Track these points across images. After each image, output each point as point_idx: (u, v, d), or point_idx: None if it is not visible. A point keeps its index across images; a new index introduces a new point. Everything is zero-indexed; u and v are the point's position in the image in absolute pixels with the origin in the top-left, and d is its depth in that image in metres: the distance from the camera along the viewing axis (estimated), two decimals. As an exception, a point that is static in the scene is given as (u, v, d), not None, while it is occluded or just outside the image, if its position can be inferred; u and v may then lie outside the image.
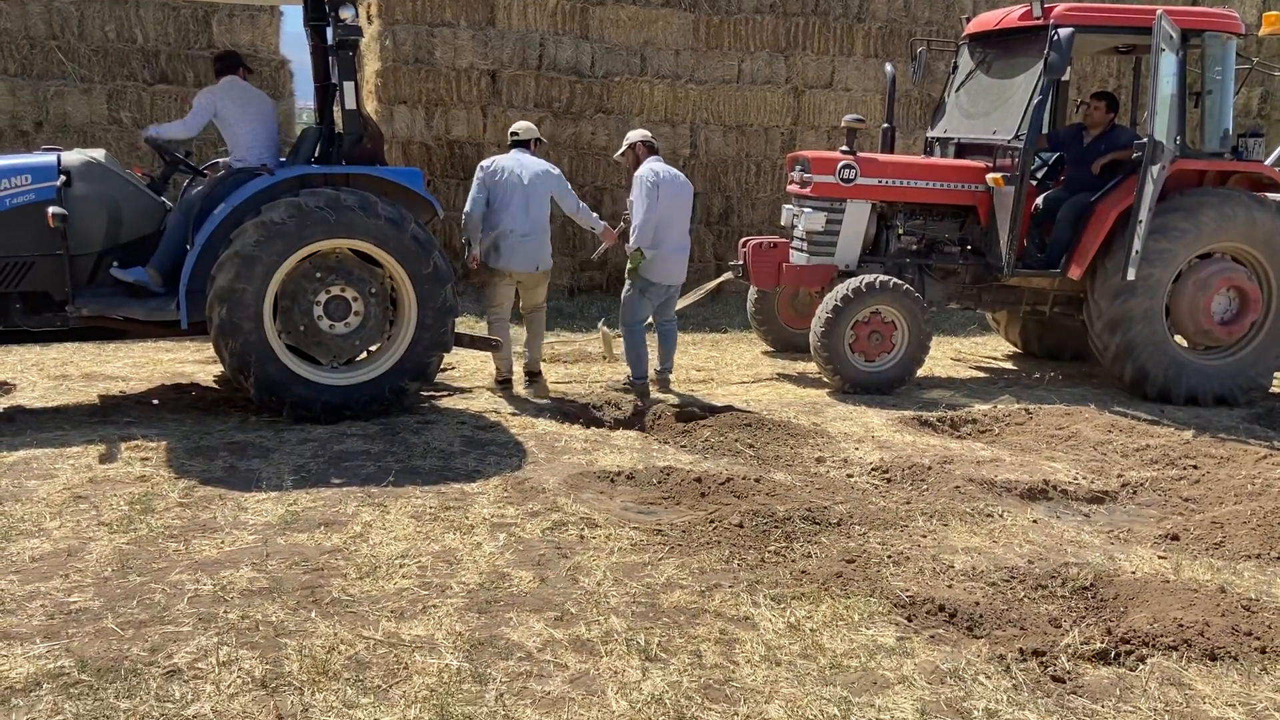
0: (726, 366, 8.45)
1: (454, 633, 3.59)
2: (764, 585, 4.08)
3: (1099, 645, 3.67)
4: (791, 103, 12.08)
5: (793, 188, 8.23)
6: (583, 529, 4.60)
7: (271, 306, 5.90)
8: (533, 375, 7.06)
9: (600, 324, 8.59)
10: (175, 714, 3.03)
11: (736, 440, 6.06)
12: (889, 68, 8.99)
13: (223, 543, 4.28)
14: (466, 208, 6.77)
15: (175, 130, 6.38)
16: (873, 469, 5.66)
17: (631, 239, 6.93)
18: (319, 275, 6.00)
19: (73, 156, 6.09)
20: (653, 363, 7.26)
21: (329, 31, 6.35)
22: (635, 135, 7.29)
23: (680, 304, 7.87)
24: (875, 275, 7.59)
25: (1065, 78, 8.35)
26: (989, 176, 7.69)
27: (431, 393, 6.98)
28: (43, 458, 5.21)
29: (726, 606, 3.89)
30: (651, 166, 7.01)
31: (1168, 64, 7.04)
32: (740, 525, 4.65)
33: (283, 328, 6.00)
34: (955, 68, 8.60)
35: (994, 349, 9.79)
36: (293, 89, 11.36)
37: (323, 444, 5.65)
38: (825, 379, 7.63)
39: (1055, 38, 7.03)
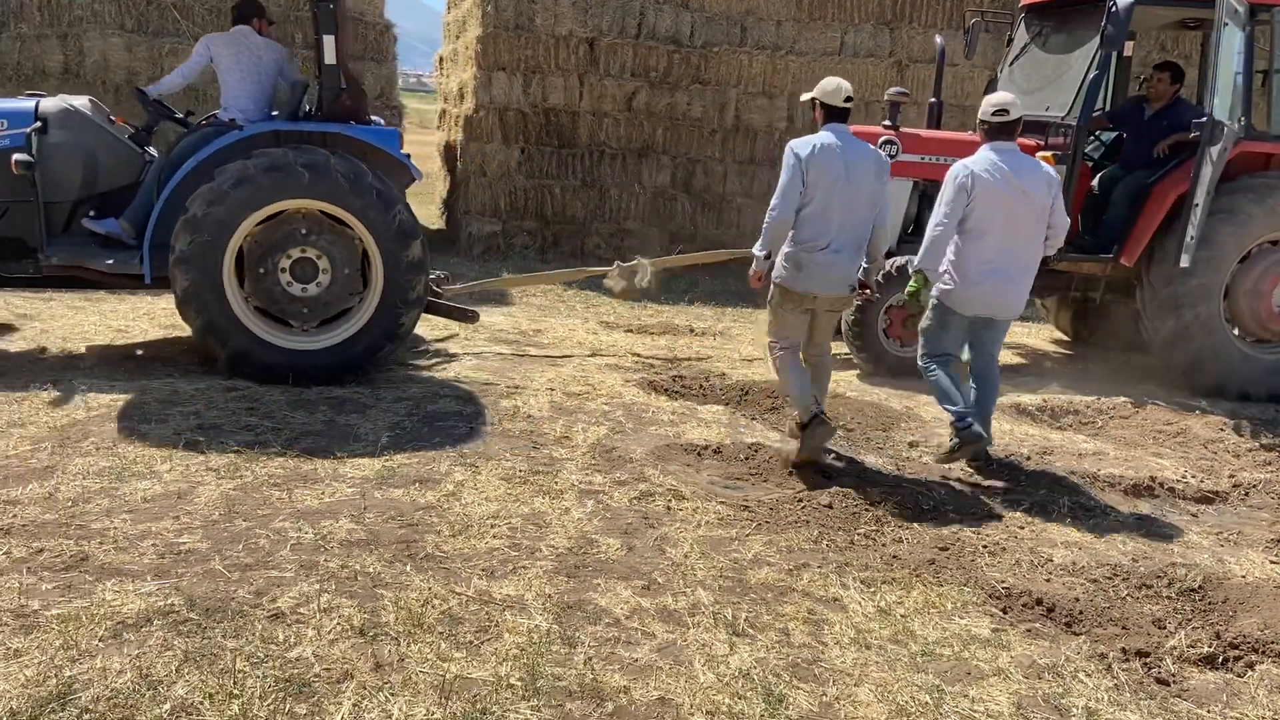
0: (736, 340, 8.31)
1: (543, 594, 3.63)
2: (853, 568, 4.03)
3: (1206, 649, 3.54)
4: (895, 76, 11.78)
5: None
6: (670, 500, 4.60)
7: (233, 270, 5.80)
8: (812, 420, 5.14)
9: (614, 265, 8.04)
10: (278, 655, 3.13)
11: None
12: (938, 39, 8.62)
13: (323, 493, 4.40)
14: (774, 206, 4.90)
15: (173, 80, 6.27)
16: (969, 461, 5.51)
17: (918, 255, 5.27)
18: (284, 237, 5.85)
19: (51, 103, 6.02)
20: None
21: None
22: (1003, 104, 5.18)
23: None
24: (910, 257, 7.29)
25: (1126, 53, 7.92)
26: (1039, 155, 7.33)
27: (514, 356, 7.05)
28: (153, 404, 5.41)
29: (815, 587, 3.85)
30: (986, 156, 5.10)
31: (1232, 40, 6.66)
32: (830, 506, 4.60)
33: (250, 291, 5.91)
34: (1011, 40, 8.25)
35: (1044, 336, 9.43)
36: (396, 53, 11.51)
37: (417, 403, 5.76)
38: (856, 363, 7.35)
39: (1113, 9, 6.68)
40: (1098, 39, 6.89)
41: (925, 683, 3.22)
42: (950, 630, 3.58)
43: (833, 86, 5.01)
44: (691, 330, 8.54)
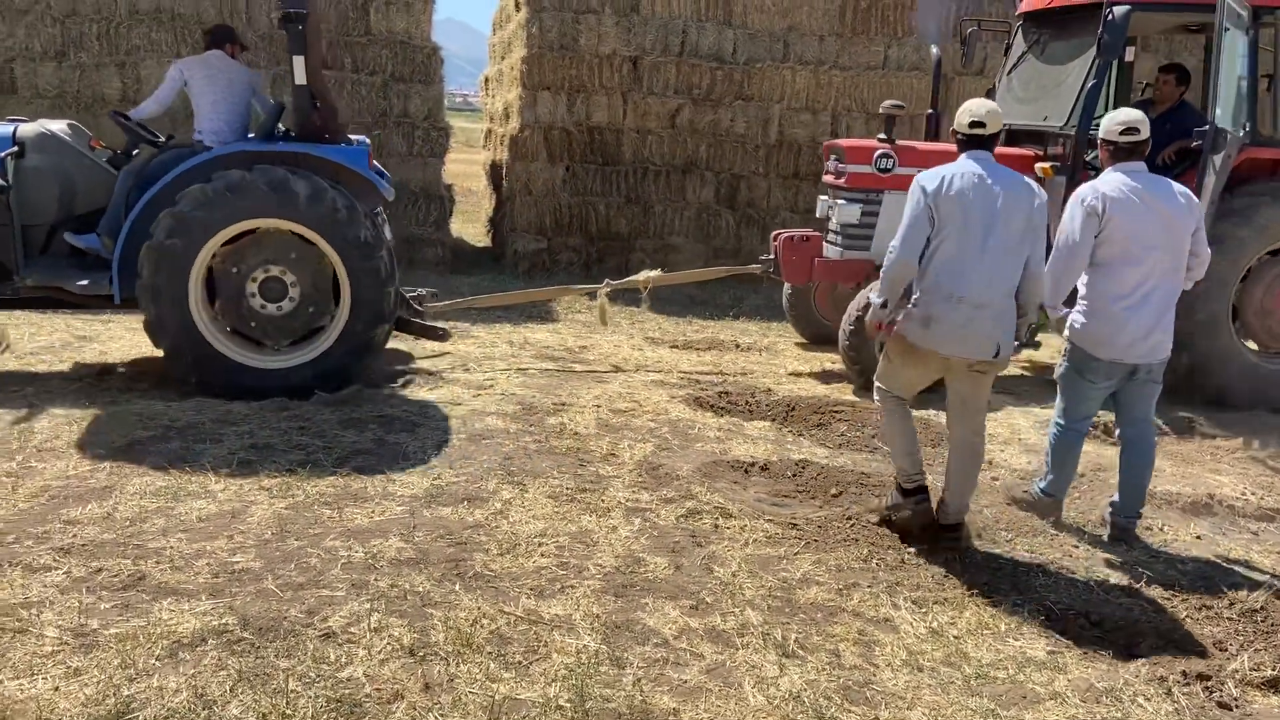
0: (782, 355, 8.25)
1: (591, 614, 3.63)
2: (905, 587, 3.98)
3: (1270, 672, 3.44)
4: (942, 90, 11.66)
5: (827, 178, 7.78)
6: (717, 518, 4.58)
7: (201, 291, 5.89)
8: (951, 529, 4.41)
9: (604, 284, 7.88)
10: (330, 675, 3.16)
11: (874, 435, 5.92)
12: (934, 50, 8.51)
13: (373, 512, 4.45)
14: (894, 249, 4.22)
15: (149, 106, 6.40)
16: (1019, 474, 5.43)
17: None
18: (252, 256, 5.93)
19: (29, 128, 6.13)
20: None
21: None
22: (1129, 120, 4.55)
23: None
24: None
25: (1128, 58, 7.72)
26: (1038, 166, 7.14)
27: (560, 372, 7.08)
28: (208, 424, 5.51)
29: (865, 607, 3.81)
30: (1116, 178, 4.45)
31: (1235, 44, 6.48)
32: (882, 523, 4.55)
33: (220, 311, 6.00)
34: (1008, 49, 8.11)
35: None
36: (442, 75, 11.66)
37: (464, 420, 5.81)
38: (850, 379, 7.17)
39: (1110, 16, 6.50)
40: (1095, 47, 6.78)
41: (980, 706, 3.16)
42: (1004, 652, 3.52)
43: (961, 110, 4.31)
44: (737, 346, 8.51)
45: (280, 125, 6.46)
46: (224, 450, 5.13)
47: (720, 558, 4.17)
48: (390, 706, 3.02)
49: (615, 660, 3.33)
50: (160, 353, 6.12)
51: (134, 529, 4.16)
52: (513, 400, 6.26)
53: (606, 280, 7.85)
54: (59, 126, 6.36)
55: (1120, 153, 4.53)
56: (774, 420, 6.28)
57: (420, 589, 3.76)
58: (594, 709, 3.05)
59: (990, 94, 8.26)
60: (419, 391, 6.30)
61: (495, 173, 13.30)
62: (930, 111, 8.25)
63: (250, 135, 6.53)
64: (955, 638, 3.61)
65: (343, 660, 3.25)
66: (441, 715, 2.99)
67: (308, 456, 5.11)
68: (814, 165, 11.66)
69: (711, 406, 6.47)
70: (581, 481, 4.96)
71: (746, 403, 6.61)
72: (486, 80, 15.37)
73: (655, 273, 7.85)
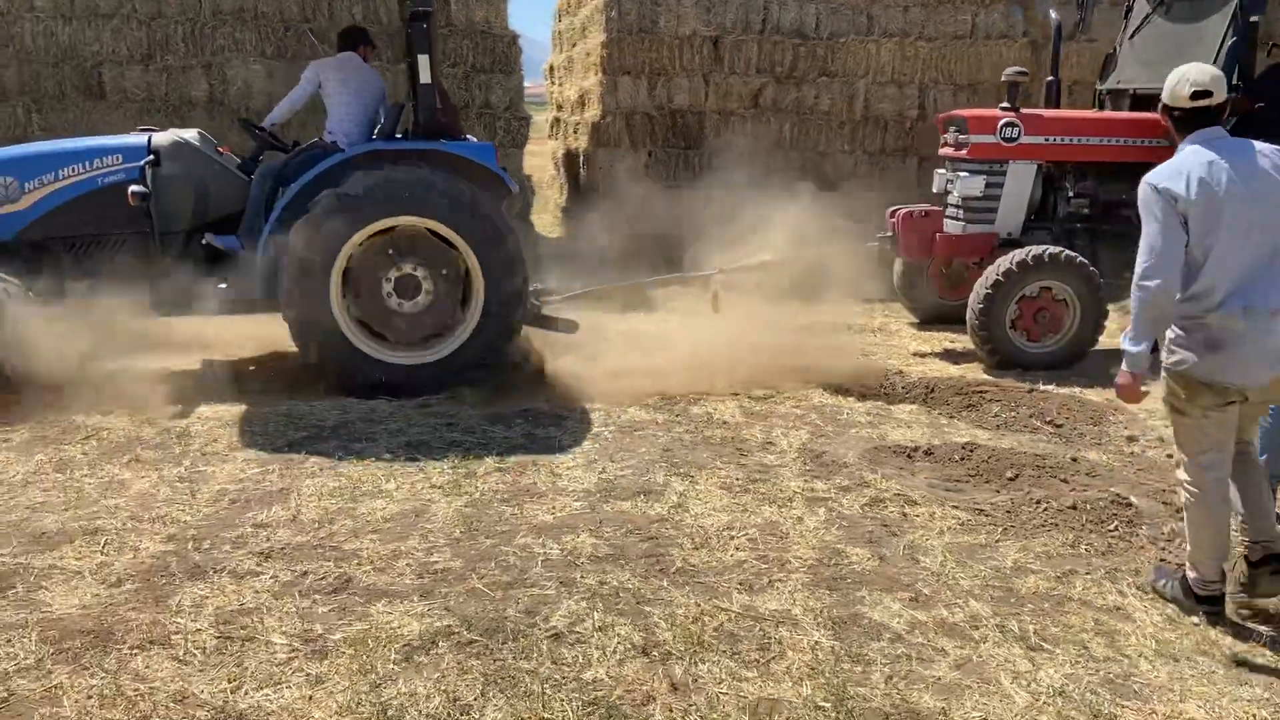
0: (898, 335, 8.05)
1: (810, 609, 3.53)
2: (1123, 573, 3.83)
3: None
4: (1029, 57, 11.38)
5: (946, 150, 7.60)
6: (902, 506, 4.46)
7: (340, 291, 5.87)
8: (1273, 559, 3.49)
9: (717, 269, 7.52)
10: (573, 677, 3.08)
11: (1031, 415, 5.76)
12: (1053, 14, 8.22)
13: (552, 508, 4.37)
14: (1146, 273, 3.31)
15: (284, 108, 6.46)
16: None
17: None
18: (390, 253, 5.89)
19: (163, 137, 6.15)
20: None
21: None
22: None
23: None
24: (1045, 247, 6.85)
25: (1255, 17, 7.39)
26: None
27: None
28: (358, 423, 5.48)
29: (1091, 595, 3.67)
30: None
31: None
32: (1074, 508, 4.40)
33: (353, 305, 5.96)
34: (1129, 10, 7.82)
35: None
36: (521, 65, 11.57)
37: (607, 413, 5.72)
38: (981, 358, 6.97)
39: None
40: (1235, 3, 6.46)
41: (1254, 696, 3.02)
42: (1255, 639, 3.36)
43: (1173, 81, 3.48)
44: (849, 328, 8.34)
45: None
46: (382, 449, 5.09)
47: (921, 547, 4.04)
48: (645, 709, 2.94)
49: (854, 657, 3.22)
50: (296, 351, 6.09)
51: (324, 531, 4.12)
52: (646, 391, 6.13)
53: (719, 267, 7.70)
54: (191, 134, 6.38)
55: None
56: (919, 403, 6.12)
57: (629, 586, 3.67)
58: (856, 709, 2.94)
59: (1110, 58, 8.02)
60: (550, 386, 6.22)
61: (570, 162, 13.18)
62: (1050, 79, 8.01)
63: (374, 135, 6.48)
64: (1195, 625, 3.47)
65: (580, 661, 3.18)
66: (701, 717, 2.90)
67: (467, 453, 5.05)
68: (901, 140, 11.45)
69: (849, 391, 6.32)
70: (749, 472, 4.85)
71: (881, 385, 6.45)
72: (551, 68, 15.26)
73: (768, 257, 7.68)
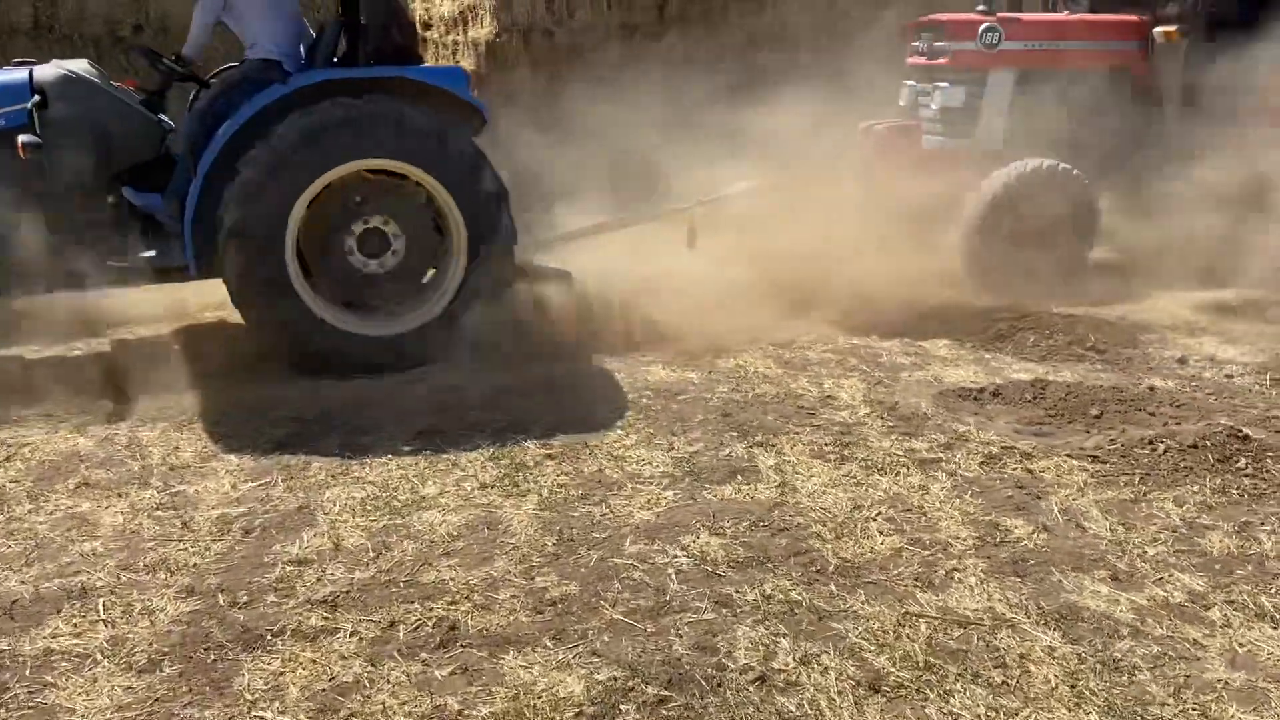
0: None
1: (1014, 604, 3.04)
2: (1293, 519, 3.53)
3: None
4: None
5: (915, 60, 7.20)
6: (1021, 461, 4.03)
7: (294, 251, 4.90)
8: None
9: (694, 202, 6.75)
10: (815, 736, 2.48)
11: (1070, 343, 5.45)
12: None
13: (645, 502, 3.68)
14: None
15: (198, 35, 5.15)
16: (1254, 369, 5.06)
17: None
18: (346, 207, 4.97)
19: (46, 71, 4.98)
20: None
21: None
22: None
23: None
24: (1041, 160, 6.46)
25: None
26: (1158, 31, 6.65)
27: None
28: (347, 409, 4.57)
29: (1286, 550, 3.34)
30: None
31: None
32: (1195, 446, 4.08)
33: (321, 280, 5.05)
34: None
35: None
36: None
37: (630, 375, 5.02)
38: (970, 285, 6.50)
39: None
40: None
41: None
42: None
43: None
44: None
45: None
46: (393, 441, 4.24)
47: (1076, 510, 3.61)
48: (926, 769, 2.37)
49: (1111, 664, 2.75)
50: (219, 319, 5.02)
51: (385, 561, 3.29)
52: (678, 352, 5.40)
53: (697, 199, 6.98)
54: (80, 65, 5.08)
55: None
56: (939, 337, 5.70)
57: (797, 598, 3.07)
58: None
59: None
60: (548, 344, 5.43)
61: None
62: None
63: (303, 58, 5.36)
64: (1407, 574, 3.19)
65: (805, 710, 2.56)
66: (998, 771, 2.36)
67: (493, 439, 4.27)
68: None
69: (859, 329, 5.82)
70: (833, 435, 4.29)
71: (891, 320, 5.98)
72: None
73: (749, 183, 7.02)
